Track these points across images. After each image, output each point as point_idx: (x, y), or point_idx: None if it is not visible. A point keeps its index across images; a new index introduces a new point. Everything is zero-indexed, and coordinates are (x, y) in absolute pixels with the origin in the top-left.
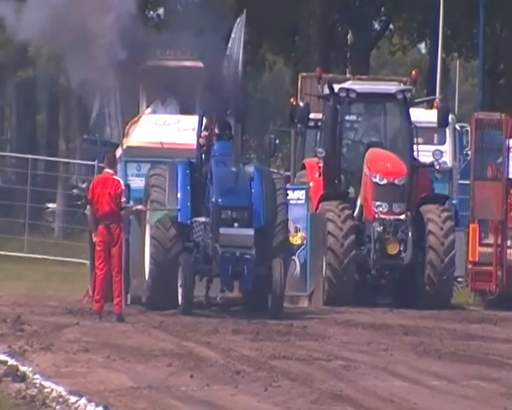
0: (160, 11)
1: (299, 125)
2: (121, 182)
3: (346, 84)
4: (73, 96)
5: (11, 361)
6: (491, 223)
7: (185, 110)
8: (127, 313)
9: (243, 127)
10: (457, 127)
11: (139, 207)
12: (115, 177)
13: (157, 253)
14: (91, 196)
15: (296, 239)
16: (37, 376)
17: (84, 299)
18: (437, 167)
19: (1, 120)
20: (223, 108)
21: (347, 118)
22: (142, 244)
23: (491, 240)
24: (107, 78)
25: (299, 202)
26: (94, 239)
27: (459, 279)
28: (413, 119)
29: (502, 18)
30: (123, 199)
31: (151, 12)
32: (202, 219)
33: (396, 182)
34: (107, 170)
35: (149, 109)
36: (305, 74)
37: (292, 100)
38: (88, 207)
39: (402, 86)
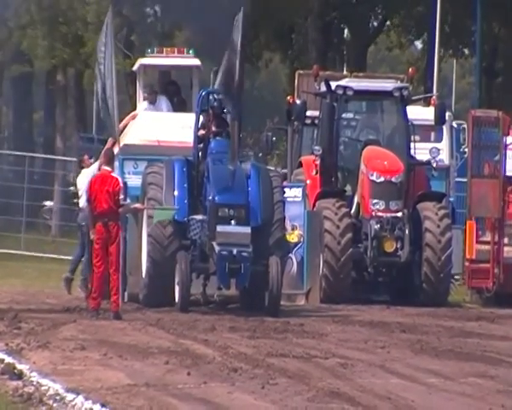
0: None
1: (295, 123)
2: (120, 179)
3: (343, 82)
4: (70, 93)
5: (8, 359)
6: (488, 220)
7: (181, 109)
8: (124, 311)
9: (240, 125)
10: (454, 125)
11: (137, 205)
12: (113, 174)
13: (154, 251)
14: (89, 193)
15: (293, 237)
16: (34, 374)
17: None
18: (434, 165)
19: None
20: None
21: (344, 115)
22: (138, 242)
23: (488, 238)
24: None
25: (295, 199)
26: (92, 237)
27: (456, 277)
28: (410, 116)
29: (499, 16)
30: (121, 196)
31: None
32: (199, 216)
33: (393, 180)
34: (105, 167)
35: (145, 105)
36: (302, 72)
37: (289, 97)
38: (86, 204)
39: (399, 84)
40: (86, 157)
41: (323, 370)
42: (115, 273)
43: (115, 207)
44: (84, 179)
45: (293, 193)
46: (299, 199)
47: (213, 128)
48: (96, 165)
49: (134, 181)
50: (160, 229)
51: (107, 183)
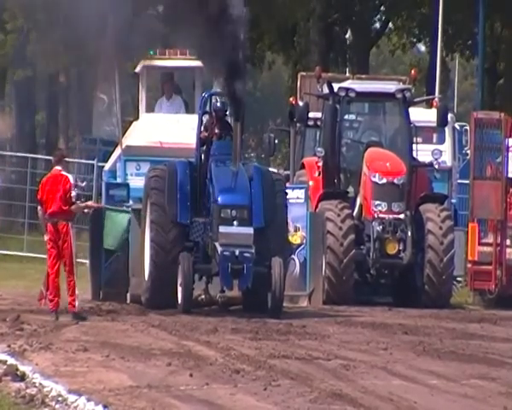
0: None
1: (298, 125)
2: (70, 177)
3: (346, 84)
4: (73, 94)
5: (11, 360)
6: (491, 222)
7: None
8: (126, 312)
9: (242, 126)
10: (457, 127)
11: (89, 203)
12: (63, 173)
13: (157, 255)
14: (40, 195)
15: (295, 238)
16: (36, 375)
17: (41, 301)
18: (436, 167)
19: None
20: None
21: (347, 117)
22: (141, 244)
23: (490, 239)
24: None
25: (298, 201)
26: (45, 238)
27: (458, 279)
28: (412, 118)
29: (502, 17)
30: (73, 194)
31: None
32: (202, 218)
33: (395, 181)
34: (56, 167)
35: (157, 105)
36: (304, 74)
37: (291, 99)
38: (39, 207)
39: (401, 85)
40: None
41: (326, 371)
42: (70, 276)
43: (65, 207)
44: None
45: (295, 194)
46: (302, 200)
47: (216, 130)
48: None
49: (136, 183)
50: (163, 234)
51: (57, 182)
